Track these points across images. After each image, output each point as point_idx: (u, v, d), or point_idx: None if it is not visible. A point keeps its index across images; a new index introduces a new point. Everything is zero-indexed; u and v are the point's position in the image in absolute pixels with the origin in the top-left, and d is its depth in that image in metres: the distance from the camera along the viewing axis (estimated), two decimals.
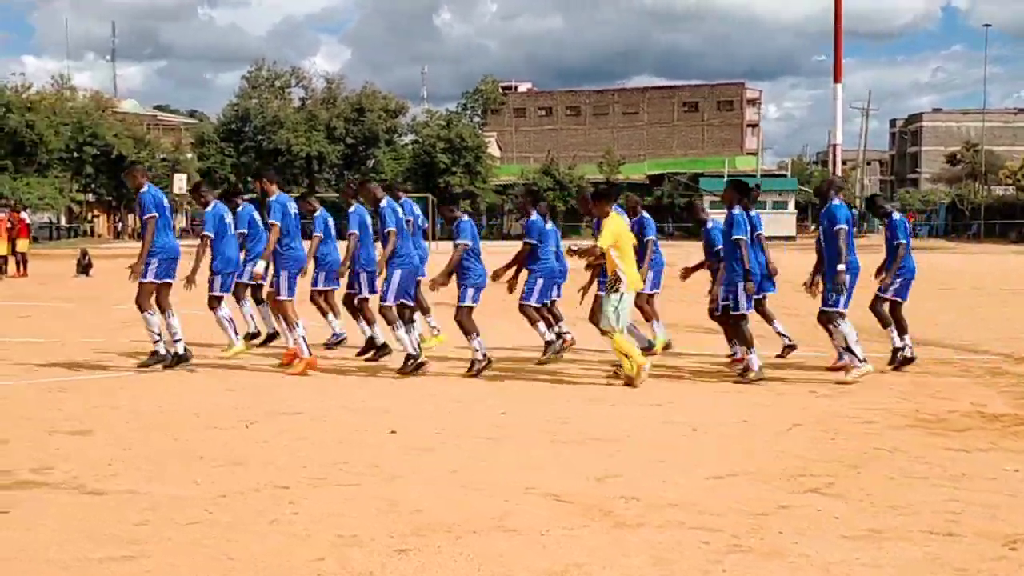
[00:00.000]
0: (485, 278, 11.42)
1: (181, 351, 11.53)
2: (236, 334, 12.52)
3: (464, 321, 11.24)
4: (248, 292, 13.44)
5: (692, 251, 20.99)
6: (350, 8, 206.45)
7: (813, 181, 78.66)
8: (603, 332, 10.95)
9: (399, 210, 11.68)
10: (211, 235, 12.40)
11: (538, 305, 12.24)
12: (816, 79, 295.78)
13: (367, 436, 8.15)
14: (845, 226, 10.87)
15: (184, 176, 68.58)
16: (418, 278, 12.18)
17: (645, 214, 13.02)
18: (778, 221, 62.85)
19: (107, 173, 68.42)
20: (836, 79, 70.36)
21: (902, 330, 11.75)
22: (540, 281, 12.13)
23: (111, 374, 11.37)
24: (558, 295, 12.74)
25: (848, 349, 10.83)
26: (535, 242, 12.16)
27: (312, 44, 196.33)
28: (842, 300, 10.89)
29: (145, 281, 11.43)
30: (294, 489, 6.47)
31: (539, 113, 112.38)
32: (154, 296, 11.50)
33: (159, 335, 11.55)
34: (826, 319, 11.07)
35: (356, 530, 5.61)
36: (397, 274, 11.37)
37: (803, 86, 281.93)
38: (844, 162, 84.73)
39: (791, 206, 72.80)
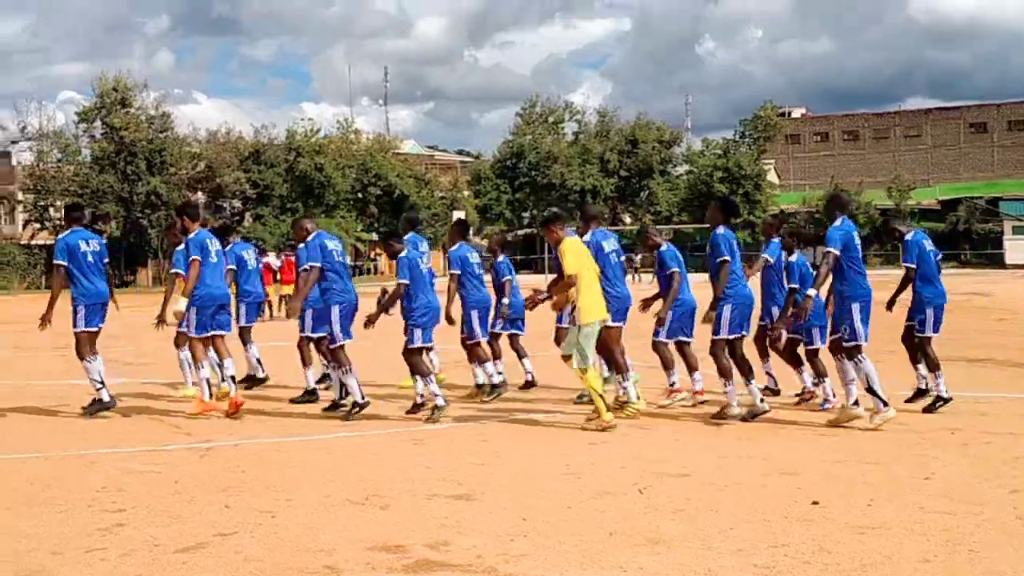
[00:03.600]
0: (432, 316, 10.94)
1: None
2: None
3: (410, 360, 10.77)
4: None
5: (996, 278, 18.70)
6: (612, 43, 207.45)
7: None
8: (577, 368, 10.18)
9: (329, 245, 11.11)
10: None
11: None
12: None
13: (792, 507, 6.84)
14: (832, 250, 9.93)
15: (462, 213, 69.54)
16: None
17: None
18: None
19: (390, 212, 70.15)
20: None
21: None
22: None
23: (463, 424, 10.50)
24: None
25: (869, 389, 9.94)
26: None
27: (575, 80, 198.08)
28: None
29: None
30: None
31: (814, 139, 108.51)
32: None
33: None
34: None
35: None
36: (335, 311, 10.90)
37: None
38: None
39: None
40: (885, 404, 9.87)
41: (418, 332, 10.77)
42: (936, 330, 11.03)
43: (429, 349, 11.72)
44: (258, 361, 13.36)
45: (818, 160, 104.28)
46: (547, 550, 5.95)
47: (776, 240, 11.72)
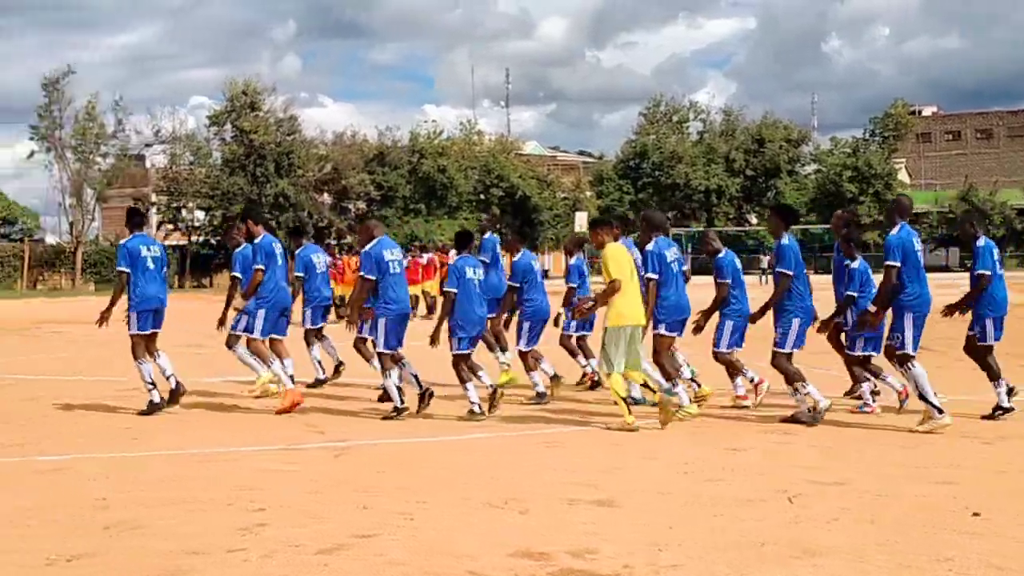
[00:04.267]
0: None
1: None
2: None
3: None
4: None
5: None
6: (735, 42, 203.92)
7: None
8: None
9: (387, 256, 11.05)
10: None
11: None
12: None
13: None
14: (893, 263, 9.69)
15: (584, 214, 69.20)
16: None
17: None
18: None
19: (512, 213, 70.24)
20: None
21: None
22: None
23: (590, 428, 10.28)
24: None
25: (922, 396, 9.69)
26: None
27: (698, 80, 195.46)
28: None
29: None
30: None
31: (946, 137, 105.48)
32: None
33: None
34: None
35: None
36: (382, 323, 10.90)
37: None
38: None
39: None
40: (940, 411, 9.56)
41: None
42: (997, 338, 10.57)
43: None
44: (318, 363, 13.45)
45: (950, 159, 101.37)
46: (698, 561, 5.69)
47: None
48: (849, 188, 70.89)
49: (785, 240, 10.39)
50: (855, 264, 10.95)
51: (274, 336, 12.12)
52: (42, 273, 56.67)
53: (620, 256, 10.21)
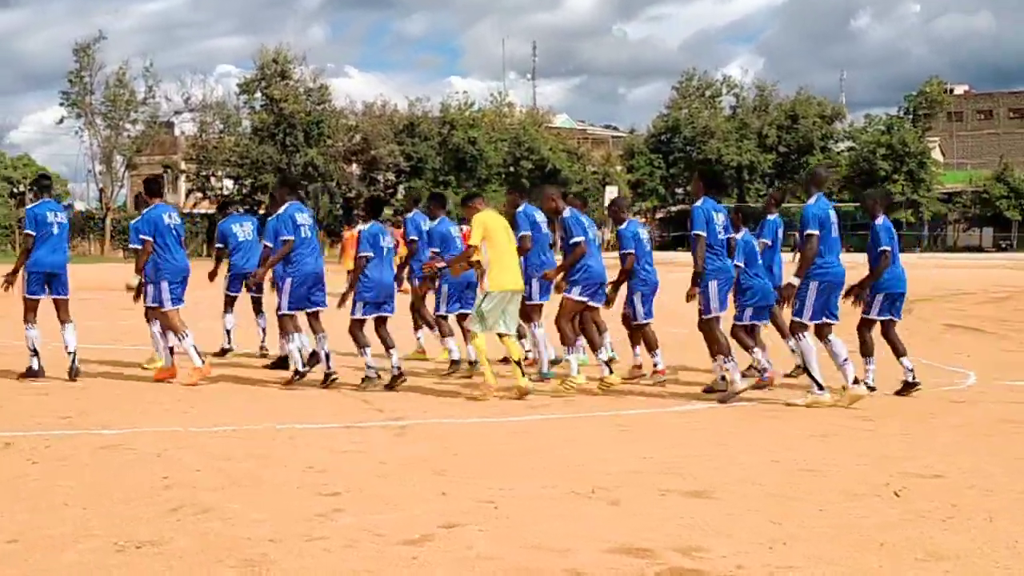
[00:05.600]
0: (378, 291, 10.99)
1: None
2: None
3: (352, 332, 10.98)
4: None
5: None
6: (765, 17, 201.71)
7: None
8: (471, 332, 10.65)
9: (297, 217, 11.15)
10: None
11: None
12: None
13: None
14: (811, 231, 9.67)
15: (615, 188, 68.66)
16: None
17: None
18: None
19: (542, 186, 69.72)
20: None
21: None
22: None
23: (666, 409, 9.86)
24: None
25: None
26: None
27: (726, 55, 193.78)
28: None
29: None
30: None
31: (977, 117, 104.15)
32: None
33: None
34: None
35: None
36: (289, 283, 11.06)
37: None
38: None
39: None
40: (820, 388, 9.73)
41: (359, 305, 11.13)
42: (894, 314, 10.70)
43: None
44: (227, 332, 13.64)
45: (981, 139, 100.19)
46: (815, 561, 5.26)
47: (771, 218, 11.77)
48: (882, 166, 70.10)
49: (699, 202, 10.44)
50: (739, 235, 10.89)
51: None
52: (71, 240, 56.59)
53: (489, 222, 10.50)
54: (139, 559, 5.31)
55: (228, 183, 63.95)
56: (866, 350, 10.61)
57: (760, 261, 10.89)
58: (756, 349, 10.71)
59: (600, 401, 10.23)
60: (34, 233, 11.16)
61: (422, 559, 5.31)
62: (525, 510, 6.22)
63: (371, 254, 10.93)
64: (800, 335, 9.79)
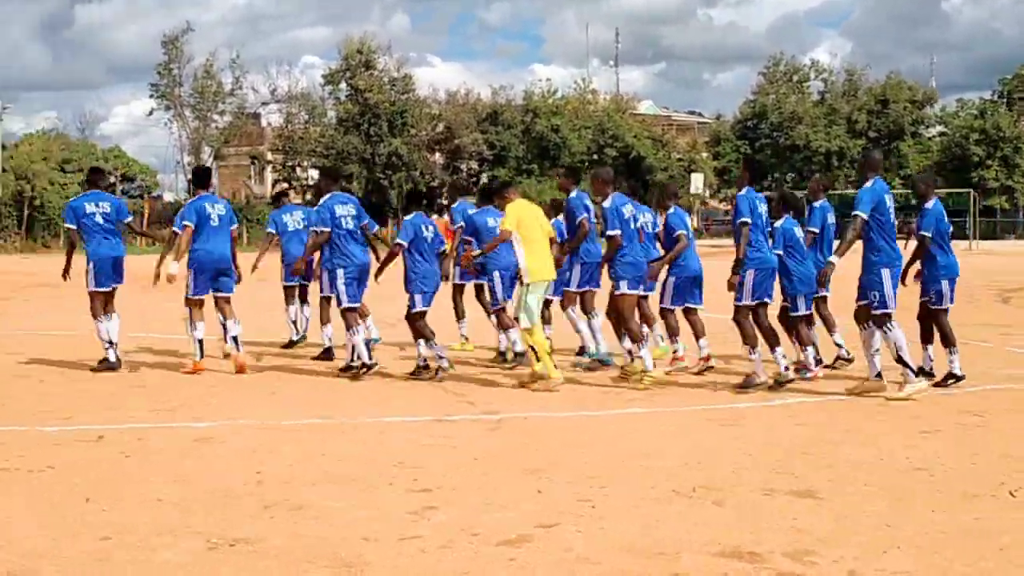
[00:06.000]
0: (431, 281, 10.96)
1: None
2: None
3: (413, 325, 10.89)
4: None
5: None
6: (851, 1, 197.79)
7: None
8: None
9: (337, 209, 10.98)
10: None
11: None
12: None
13: None
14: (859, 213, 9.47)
15: (701, 176, 67.87)
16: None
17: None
18: None
19: (626, 173, 69.19)
20: None
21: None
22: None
23: (771, 404, 9.56)
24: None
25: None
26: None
27: (813, 39, 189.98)
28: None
29: None
30: None
31: None
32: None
33: None
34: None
35: None
36: (341, 275, 10.91)
37: None
38: None
39: None
40: (916, 373, 9.55)
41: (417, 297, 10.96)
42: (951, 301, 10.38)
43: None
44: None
45: None
46: (933, 569, 4.99)
47: (818, 204, 11.53)
48: (976, 151, 68.25)
49: (743, 191, 10.28)
50: (779, 223, 10.62)
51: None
52: (161, 229, 57.45)
53: (522, 212, 10.48)
54: (233, 557, 5.22)
55: (314, 173, 64.41)
56: (948, 340, 10.21)
57: (805, 248, 10.70)
58: (809, 348, 10.59)
59: (694, 395, 9.96)
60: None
61: (520, 561, 5.14)
62: (624, 510, 6.02)
63: (405, 243, 10.93)
64: (887, 326, 9.50)
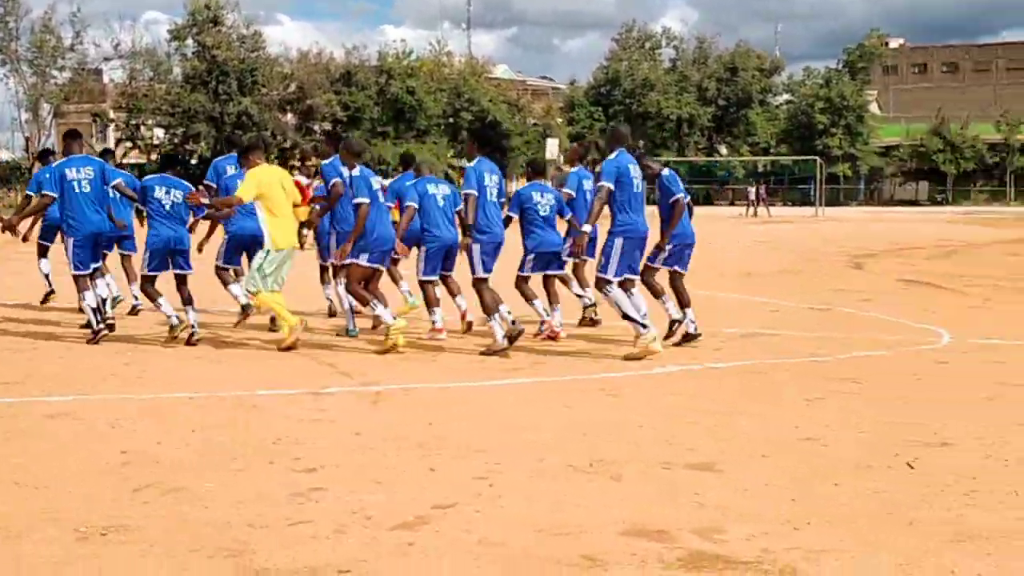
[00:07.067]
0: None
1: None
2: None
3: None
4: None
5: None
6: None
7: None
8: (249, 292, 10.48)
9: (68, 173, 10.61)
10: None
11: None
12: None
13: None
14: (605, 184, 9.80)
15: (556, 141, 68.03)
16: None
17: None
18: None
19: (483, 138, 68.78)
20: None
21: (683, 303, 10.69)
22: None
23: (651, 374, 9.43)
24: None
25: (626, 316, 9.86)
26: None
27: (660, 7, 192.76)
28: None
29: None
30: None
31: (912, 71, 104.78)
32: None
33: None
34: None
35: None
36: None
37: None
38: None
39: None
40: (644, 327, 9.79)
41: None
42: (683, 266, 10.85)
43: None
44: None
45: (916, 92, 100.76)
46: (845, 543, 4.87)
47: (576, 170, 11.94)
48: (820, 119, 70.23)
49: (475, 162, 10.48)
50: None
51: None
52: None
53: (264, 177, 10.23)
54: (107, 547, 4.78)
55: (159, 132, 62.32)
56: (683, 300, 10.73)
57: (545, 213, 10.85)
58: (536, 302, 10.83)
59: (579, 364, 9.78)
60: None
61: (420, 545, 4.84)
62: (523, 488, 5.76)
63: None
64: (606, 290, 9.88)
